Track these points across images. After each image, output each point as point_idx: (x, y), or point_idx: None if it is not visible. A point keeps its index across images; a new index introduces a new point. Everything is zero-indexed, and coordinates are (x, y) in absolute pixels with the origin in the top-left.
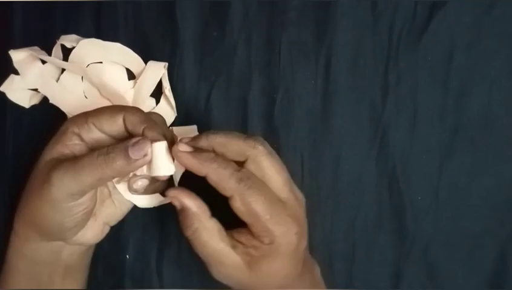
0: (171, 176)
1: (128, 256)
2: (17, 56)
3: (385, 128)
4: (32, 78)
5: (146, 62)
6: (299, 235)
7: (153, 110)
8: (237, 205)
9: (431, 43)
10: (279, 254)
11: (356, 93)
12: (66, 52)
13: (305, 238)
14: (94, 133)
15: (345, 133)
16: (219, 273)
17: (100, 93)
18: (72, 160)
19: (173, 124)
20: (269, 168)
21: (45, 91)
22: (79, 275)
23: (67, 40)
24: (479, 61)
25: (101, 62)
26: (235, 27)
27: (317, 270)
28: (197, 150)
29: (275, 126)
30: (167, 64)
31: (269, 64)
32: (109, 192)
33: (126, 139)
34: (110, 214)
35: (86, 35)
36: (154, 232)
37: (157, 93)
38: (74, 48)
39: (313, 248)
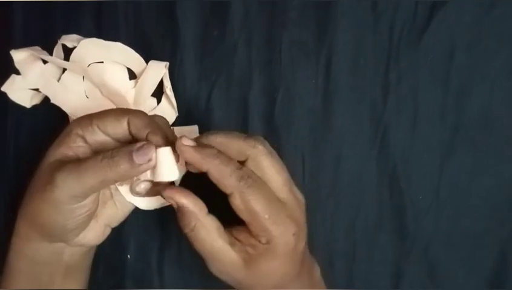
0: None
1: (129, 256)
2: (18, 56)
3: (386, 128)
4: (34, 78)
5: (147, 62)
6: (297, 235)
7: (154, 110)
8: (236, 203)
9: (431, 42)
10: (277, 254)
11: (356, 92)
12: (67, 52)
13: (304, 239)
14: (98, 136)
15: (345, 133)
16: (217, 270)
17: (101, 93)
18: (76, 162)
19: (174, 124)
20: (269, 167)
21: (46, 91)
22: (80, 275)
23: (68, 39)
24: (479, 61)
25: (102, 62)
26: (236, 27)
27: (317, 270)
28: (200, 145)
29: (275, 125)
30: (168, 63)
31: (269, 64)
32: (111, 194)
33: (130, 142)
34: (111, 215)
35: (86, 35)
36: (154, 233)
37: (158, 93)
38: (75, 47)
39: (313, 247)
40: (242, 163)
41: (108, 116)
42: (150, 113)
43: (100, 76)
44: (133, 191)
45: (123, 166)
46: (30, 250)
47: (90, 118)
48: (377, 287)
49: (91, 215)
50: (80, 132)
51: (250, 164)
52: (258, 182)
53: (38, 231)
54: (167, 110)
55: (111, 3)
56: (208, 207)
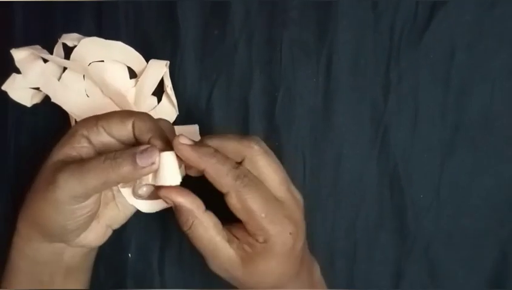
0: None
1: (130, 255)
2: (19, 55)
3: (387, 127)
4: (34, 77)
5: (147, 61)
6: (294, 235)
7: (154, 109)
8: (233, 202)
9: (432, 42)
10: (274, 254)
11: (357, 92)
12: (68, 51)
13: (302, 239)
14: (102, 137)
15: (346, 132)
16: (216, 267)
17: (102, 91)
18: (79, 162)
19: (174, 123)
20: (265, 167)
21: (46, 90)
22: (81, 276)
23: (69, 38)
24: (480, 60)
25: (102, 61)
26: (236, 26)
27: (316, 269)
28: (197, 144)
29: (276, 125)
30: (168, 62)
31: (270, 63)
32: (113, 195)
33: (134, 144)
34: (113, 217)
35: (87, 34)
36: (155, 233)
37: (159, 92)
38: (75, 46)
39: (314, 246)
40: (239, 164)
41: (113, 118)
42: (150, 112)
43: (100, 75)
44: (135, 194)
45: (125, 168)
46: (31, 250)
47: (96, 119)
48: (378, 287)
49: (93, 217)
50: (85, 132)
51: (246, 164)
52: (255, 181)
53: (39, 231)
54: (168, 109)
55: (112, 3)
56: (208, 206)
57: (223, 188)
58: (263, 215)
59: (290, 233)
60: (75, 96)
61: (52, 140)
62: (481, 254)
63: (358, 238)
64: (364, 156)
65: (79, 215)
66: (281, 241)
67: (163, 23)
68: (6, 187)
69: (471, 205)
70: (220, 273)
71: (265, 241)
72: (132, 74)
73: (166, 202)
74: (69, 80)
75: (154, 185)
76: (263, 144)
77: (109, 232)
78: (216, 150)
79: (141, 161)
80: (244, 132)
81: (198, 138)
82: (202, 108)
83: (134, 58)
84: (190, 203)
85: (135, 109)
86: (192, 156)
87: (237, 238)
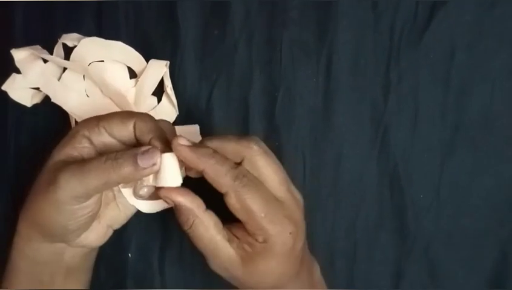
0: None
1: (130, 255)
2: (19, 55)
3: (387, 127)
4: (34, 77)
5: (147, 61)
6: (294, 235)
7: (154, 109)
8: (232, 202)
9: (432, 42)
10: (274, 253)
11: (357, 92)
12: (68, 51)
13: (302, 239)
14: (103, 137)
15: (346, 132)
16: (216, 266)
17: (102, 92)
18: (80, 163)
19: (174, 123)
20: (265, 167)
21: (46, 90)
22: (82, 276)
23: (69, 38)
24: (480, 60)
25: (102, 61)
26: (236, 26)
27: (316, 269)
28: (196, 145)
29: (276, 125)
30: (168, 62)
31: (270, 63)
32: (114, 195)
33: (135, 145)
34: (114, 217)
35: (87, 34)
36: (156, 232)
37: (159, 92)
38: (75, 46)
39: (314, 246)
40: (238, 164)
41: (114, 119)
42: (150, 112)
43: (100, 75)
44: (136, 194)
45: (126, 168)
46: (31, 250)
47: (97, 120)
48: (378, 287)
49: (93, 217)
50: (86, 133)
51: (246, 165)
52: (254, 181)
53: (39, 231)
54: (168, 109)
55: (112, 3)
56: (208, 206)
57: (222, 189)
58: (263, 215)
59: (290, 233)
60: (75, 97)
61: (53, 140)
62: (481, 254)
63: (358, 238)
64: (364, 156)
65: (80, 216)
66: (281, 241)
67: (163, 23)
68: (6, 187)
69: (471, 205)
70: (220, 272)
71: (265, 241)
72: (132, 74)
73: (167, 202)
74: (69, 80)
75: (154, 186)
76: (262, 144)
77: (110, 233)
78: (215, 151)
79: (142, 162)
80: (244, 131)
81: (198, 138)
82: (202, 108)
83: (134, 58)
84: (190, 203)
85: (135, 109)
86: (191, 156)
87: (237, 237)
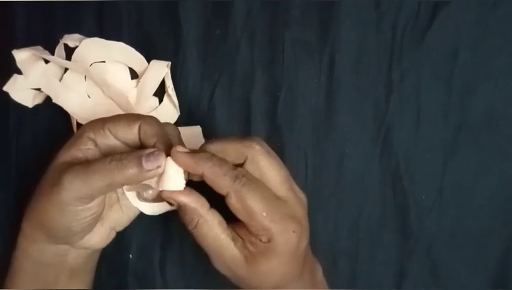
0: None
1: (131, 256)
2: (20, 56)
3: (389, 127)
4: (35, 78)
5: (148, 61)
6: (298, 233)
7: (156, 110)
8: (232, 203)
9: (434, 41)
10: (278, 253)
11: (359, 91)
12: (69, 52)
13: (306, 238)
14: (109, 140)
15: (348, 131)
16: (220, 265)
17: (103, 92)
18: (84, 164)
19: (176, 123)
20: (267, 166)
21: (48, 91)
22: (85, 277)
23: (70, 39)
24: (483, 59)
25: (104, 61)
26: (238, 26)
27: (319, 270)
28: (194, 151)
29: (278, 124)
30: (170, 63)
31: (272, 63)
32: (118, 197)
33: (139, 148)
34: (117, 219)
35: (88, 35)
36: (157, 233)
37: (160, 93)
38: (77, 47)
39: (316, 246)
40: (241, 165)
41: (120, 121)
42: (151, 113)
43: (101, 75)
44: (140, 197)
45: (131, 170)
46: (35, 251)
47: (102, 122)
48: (380, 287)
49: (97, 218)
50: (91, 135)
51: (248, 165)
52: (254, 181)
53: (43, 232)
54: (169, 109)
55: (113, 3)
56: (212, 205)
57: (222, 190)
58: (264, 214)
59: (293, 231)
60: (76, 97)
61: (54, 141)
62: (484, 254)
63: (361, 238)
64: (367, 155)
65: (84, 217)
66: (284, 239)
67: (164, 23)
68: (8, 188)
69: (475, 205)
70: (224, 271)
71: (268, 241)
72: (134, 75)
73: (170, 203)
74: (70, 80)
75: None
76: (264, 144)
77: (113, 235)
78: (212, 154)
79: (147, 164)
80: (246, 131)
81: (201, 139)
82: (204, 108)
83: (135, 58)
84: (194, 202)
85: (136, 109)
86: (189, 162)
87: (241, 237)
